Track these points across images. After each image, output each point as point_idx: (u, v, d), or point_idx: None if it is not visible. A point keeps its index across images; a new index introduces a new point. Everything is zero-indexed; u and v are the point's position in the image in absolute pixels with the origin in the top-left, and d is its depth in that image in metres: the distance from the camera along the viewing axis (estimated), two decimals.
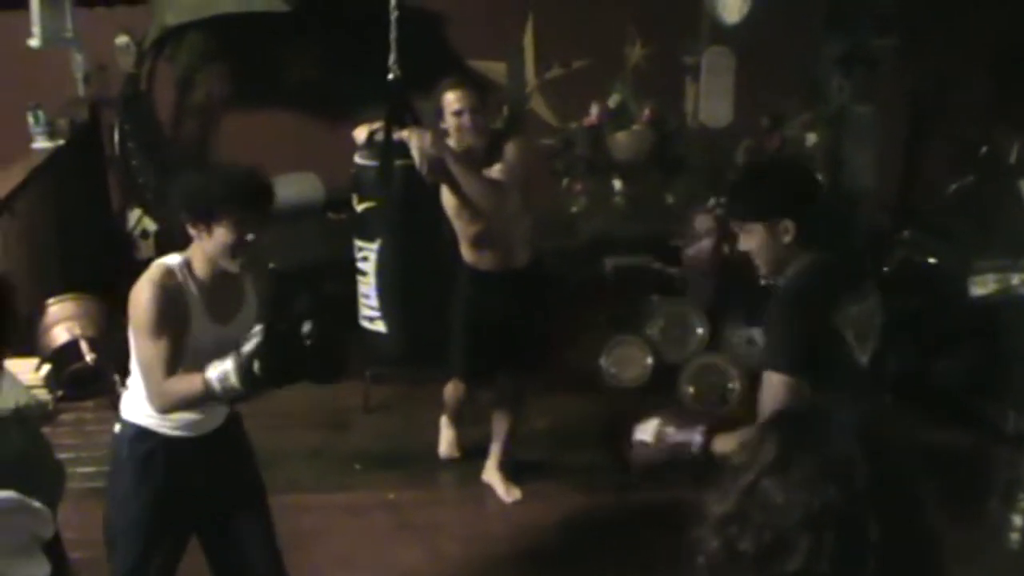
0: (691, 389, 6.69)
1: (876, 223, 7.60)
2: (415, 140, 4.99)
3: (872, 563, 1.62)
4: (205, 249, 3.71)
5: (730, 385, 6.69)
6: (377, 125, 5.32)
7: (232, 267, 3.74)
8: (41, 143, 7.99)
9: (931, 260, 6.74)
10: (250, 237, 3.68)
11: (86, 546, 4.17)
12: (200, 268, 3.75)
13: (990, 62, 9.03)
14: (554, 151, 7.80)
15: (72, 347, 6.69)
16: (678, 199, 7.53)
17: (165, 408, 3.70)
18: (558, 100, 9.29)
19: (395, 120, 5.24)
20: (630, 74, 8.60)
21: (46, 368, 6.44)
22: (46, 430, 4.83)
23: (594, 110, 7.64)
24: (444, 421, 6.24)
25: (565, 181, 7.74)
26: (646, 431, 3.47)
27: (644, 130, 7.56)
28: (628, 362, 7.01)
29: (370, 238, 5.49)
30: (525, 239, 5.60)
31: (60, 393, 6.49)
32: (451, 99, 5.27)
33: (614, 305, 7.62)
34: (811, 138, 7.43)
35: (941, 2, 8.46)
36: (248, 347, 3.44)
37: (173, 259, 3.76)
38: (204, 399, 3.60)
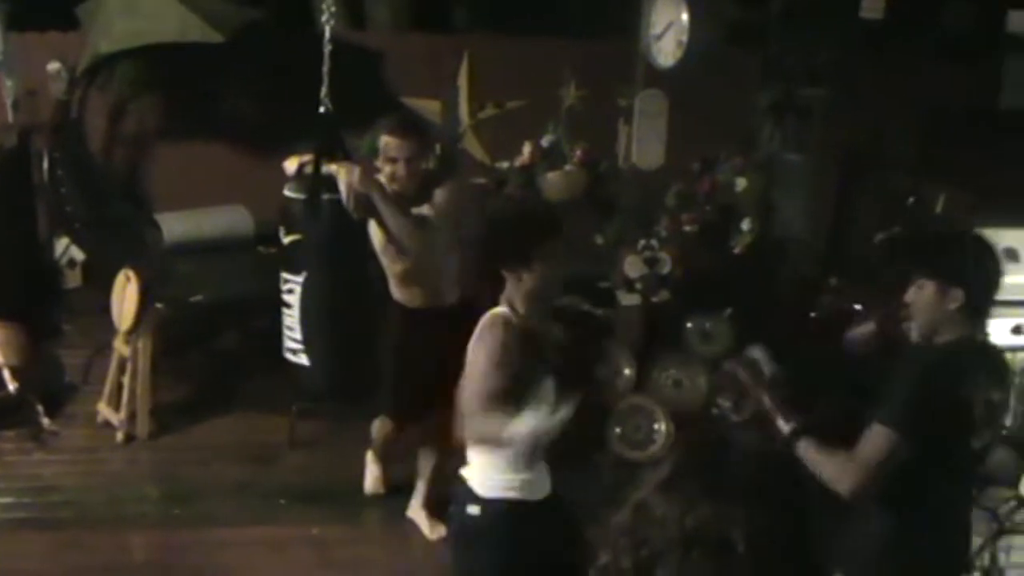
0: (618, 430, 6.69)
1: (805, 270, 7.68)
2: (343, 175, 4.98)
3: None
4: (527, 289, 3.78)
5: (656, 426, 6.70)
6: (307, 158, 5.31)
7: (554, 299, 3.95)
8: None
9: (857, 307, 6.79)
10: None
11: None
12: (523, 311, 3.82)
13: (918, 114, 9.19)
14: (486, 190, 7.79)
15: None
16: (608, 240, 7.54)
17: (494, 434, 3.65)
18: (491, 139, 9.33)
19: (325, 153, 5.24)
20: (564, 115, 8.64)
21: None
22: None
23: (527, 149, 7.64)
24: (370, 457, 6.20)
25: None
26: None
27: (576, 170, 7.56)
28: None
29: (296, 271, 5.48)
30: (454, 277, 5.56)
31: None
32: (388, 145, 5.19)
33: None
34: (741, 183, 7.47)
35: (872, 56, 8.60)
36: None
37: (501, 310, 3.83)
38: (504, 441, 3.62)
